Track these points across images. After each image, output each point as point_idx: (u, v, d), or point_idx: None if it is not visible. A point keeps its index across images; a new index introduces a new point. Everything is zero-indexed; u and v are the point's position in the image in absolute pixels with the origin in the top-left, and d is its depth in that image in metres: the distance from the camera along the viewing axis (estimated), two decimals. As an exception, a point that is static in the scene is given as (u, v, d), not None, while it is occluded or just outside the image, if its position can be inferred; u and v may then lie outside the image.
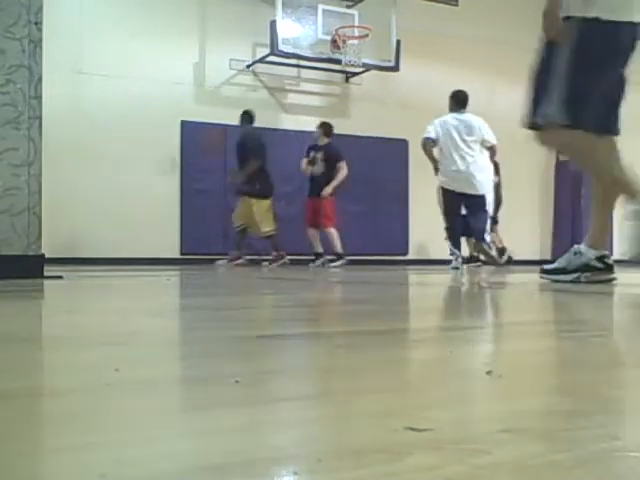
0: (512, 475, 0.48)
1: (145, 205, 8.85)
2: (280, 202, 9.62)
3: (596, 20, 2.95)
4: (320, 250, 8.39)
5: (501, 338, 1.33)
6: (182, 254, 9.25)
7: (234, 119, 9.56)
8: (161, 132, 9.03)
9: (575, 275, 3.32)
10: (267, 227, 8.16)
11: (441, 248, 10.66)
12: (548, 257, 11.90)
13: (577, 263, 3.32)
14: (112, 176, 8.78)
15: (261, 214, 8.13)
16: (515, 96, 12.19)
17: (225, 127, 9.31)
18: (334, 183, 8.20)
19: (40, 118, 3.68)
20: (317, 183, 8.28)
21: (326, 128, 8.43)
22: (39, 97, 3.67)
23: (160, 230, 8.96)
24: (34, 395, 0.77)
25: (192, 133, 9.28)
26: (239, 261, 8.27)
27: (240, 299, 2.75)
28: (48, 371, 0.98)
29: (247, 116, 8.36)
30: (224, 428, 0.61)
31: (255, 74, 9.91)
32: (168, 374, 0.94)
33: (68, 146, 8.39)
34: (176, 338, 1.41)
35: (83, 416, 0.66)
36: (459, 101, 7.30)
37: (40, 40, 3.68)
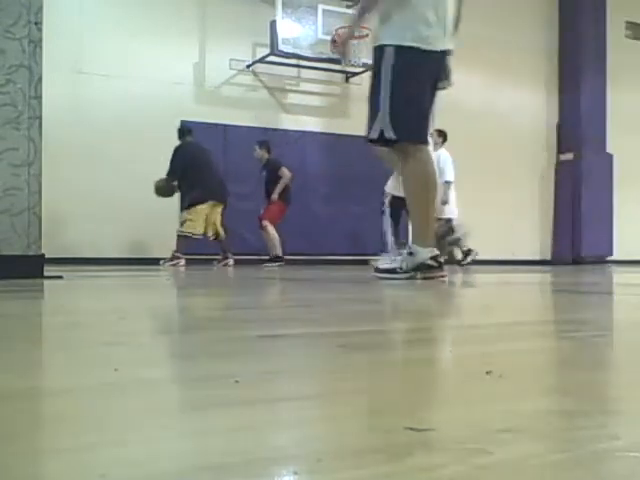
0: (512, 475, 0.48)
1: (145, 205, 8.85)
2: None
3: (410, 48, 3.44)
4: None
5: (501, 338, 1.33)
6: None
7: (234, 119, 9.56)
8: (161, 132, 9.03)
9: (411, 273, 3.55)
10: (189, 229, 8.19)
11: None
12: (548, 257, 11.91)
13: (413, 262, 3.54)
14: (112, 176, 8.78)
15: (193, 215, 8.14)
16: (515, 96, 12.20)
17: (224, 127, 9.31)
18: (278, 189, 8.55)
19: (40, 118, 3.68)
20: (268, 193, 8.74)
21: (266, 145, 8.71)
22: (39, 97, 3.67)
23: (160, 230, 8.95)
24: (34, 395, 0.77)
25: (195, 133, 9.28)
26: (229, 262, 8.43)
27: (240, 299, 2.75)
28: (48, 371, 0.98)
29: (180, 131, 8.45)
30: (224, 428, 0.61)
31: (255, 74, 9.91)
32: (168, 374, 0.94)
33: (68, 146, 8.39)
34: (176, 338, 1.41)
35: (83, 416, 0.66)
36: None
37: (40, 40, 3.68)
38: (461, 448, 0.54)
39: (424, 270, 3.51)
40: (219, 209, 8.30)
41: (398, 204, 7.26)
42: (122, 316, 1.80)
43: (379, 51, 3.50)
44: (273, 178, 8.61)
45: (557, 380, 0.94)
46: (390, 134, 3.44)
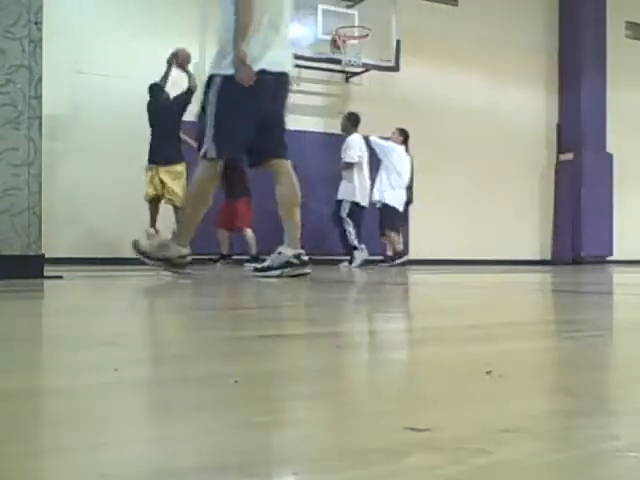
0: (512, 475, 0.48)
1: (145, 205, 8.84)
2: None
3: (233, 76, 3.79)
4: (225, 252, 8.48)
5: (501, 338, 1.33)
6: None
7: (234, 119, 9.57)
8: (161, 132, 9.01)
9: (280, 271, 3.96)
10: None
11: (445, 248, 10.67)
12: (548, 257, 11.90)
13: (280, 261, 4.00)
14: (112, 176, 8.77)
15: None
16: (515, 96, 12.19)
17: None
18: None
19: (40, 118, 3.68)
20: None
21: None
22: (39, 97, 3.67)
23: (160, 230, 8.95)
24: (34, 395, 0.77)
25: (192, 133, 9.27)
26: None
27: (239, 299, 2.75)
28: (48, 371, 0.98)
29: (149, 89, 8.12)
30: (224, 428, 0.61)
31: (255, 74, 9.90)
32: (168, 374, 0.94)
33: (68, 146, 8.38)
34: (176, 338, 1.41)
35: (83, 416, 0.66)
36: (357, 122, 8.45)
37: (40, 40, 3.68)
38: (461, 448, 0.54)
39: (290, 267, 3.96)
40: (161, 171, 7.91)
41: (354, 207, 8.12)
42: (122, 316, 1.80)
43: (209, 79, 3.93)
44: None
45: (557, 380, 0.94)
46: (212, 153, 3.88)
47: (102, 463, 0.50)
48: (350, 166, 8.34)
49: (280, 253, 4.04)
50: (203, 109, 3.96)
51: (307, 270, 4.01)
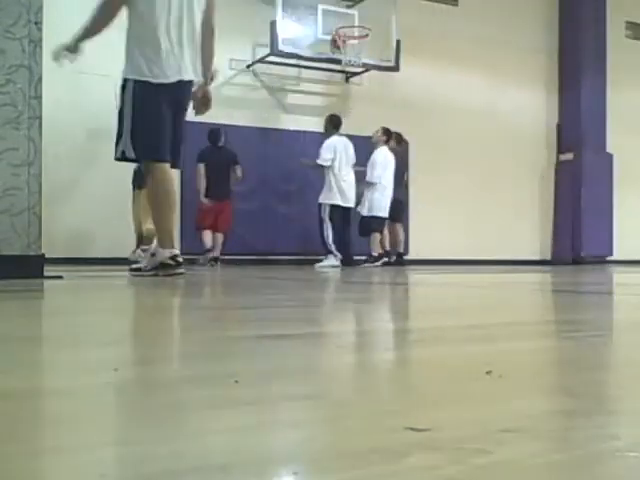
0: (512, 475, 0.48)
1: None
2: (282, 201, 9.67)
3: (145, 82, 3.98)
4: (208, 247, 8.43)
5: (501, 338, 1.33)
6: (182, 254, 9.24)
7: (234, 119, 9.55)
8: (161, 132, 9.01)
9: (154, 271, 4.00)
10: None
11: (445, 248, 10.67)
12: (548, 257, 11.90)
13: (155, 262, 4.04)
14: (112, 176, 8.77)
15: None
16: (515, 96, 12.19)
17: (224, 127, 9.30)
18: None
19: (40, 118, 3.68)
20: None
21: (214, 135, 8.55)
22: (39, 97, 3.67)
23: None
24: (34, 395, 0.77)
25: (192, 133, 9.26)
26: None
27: (238, 299, 2.75)
28: (48, 371, 0.98)
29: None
30: (224, 428, 0.61)
31: (255, 74, 9.90)
32: (168, 374, 0.94)
33: (68, 146, 8.38)
34: (176, 338, 1.41)
35: (83, 416, 0.66)
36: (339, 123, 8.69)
37: (40, 40, 3.68)
38: (461, 448, 0.54)
39: (164, 268, 4.00)
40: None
41: (335, 211, 8.32)
42: (122, 316, 1.80)
43: (123, 83, 4.07)
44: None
45: (557, 380, 0.94)
46: (131, 154, 4.01)
47: (102, 463, 0.50)
48: (323, 168, 8.49)
49: (154, 254, 4.12)
50: (120, 112, 4.09)
51: (181, 270, 4.05)
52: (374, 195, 8.81)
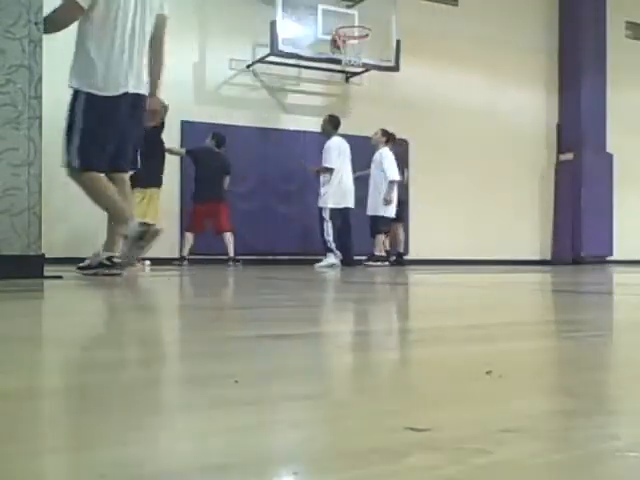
0: (512, 475, 0.48)
1: (145, 205, 8.84)
2: (282, 201, 9.68)
3: (97, 95, 4.10)
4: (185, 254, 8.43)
5: (501, 338, 1.33)
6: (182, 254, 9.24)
7: (234, 119, 9.55)
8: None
9: (95, 270, 4.24)
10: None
11: (445, 248, 10.67)
12: (548, 257, 11.90)
13: (96, 262, 4.30)
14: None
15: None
16: (515, 96, 12.19)
17: (224, 127, 9.31)
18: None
19: (40, 118, 3.68)
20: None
21: (216, 138, 8.57)
22: (39, 97, 3.67)
23: (160, 230, 8.94)
24: (34, 395, 0.77)
25: (192, 133, 9.28)
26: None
27: (238, 299, 2.75)
28: (48, 371, 0.98)
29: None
30: (224, 428, 0.61)
31: (255, 74, 9.90)
32: (168, 374, 0.94)
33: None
34: (176, 338, 1.41)
35: (83, 416, 0.66)
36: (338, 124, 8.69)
37: (40, 40, 3.68)
38: (461, 448, 0.54)
39: (102, 268, 4.24)
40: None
41: (335, 212, 8.41)
42: (122, 316, 1.80)
43: (75, 93, 4.16)
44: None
45: (557, 380, 0.94)
46: (76, 163, 4.13)
47: (102, 463, 0.50)
48: (329, 171, 8.50)
49: (97, 255, 4.35)
50: (69, 121, 4.19)
51: (117, 271, 4.25)
52: (391, 195, 8.88)
